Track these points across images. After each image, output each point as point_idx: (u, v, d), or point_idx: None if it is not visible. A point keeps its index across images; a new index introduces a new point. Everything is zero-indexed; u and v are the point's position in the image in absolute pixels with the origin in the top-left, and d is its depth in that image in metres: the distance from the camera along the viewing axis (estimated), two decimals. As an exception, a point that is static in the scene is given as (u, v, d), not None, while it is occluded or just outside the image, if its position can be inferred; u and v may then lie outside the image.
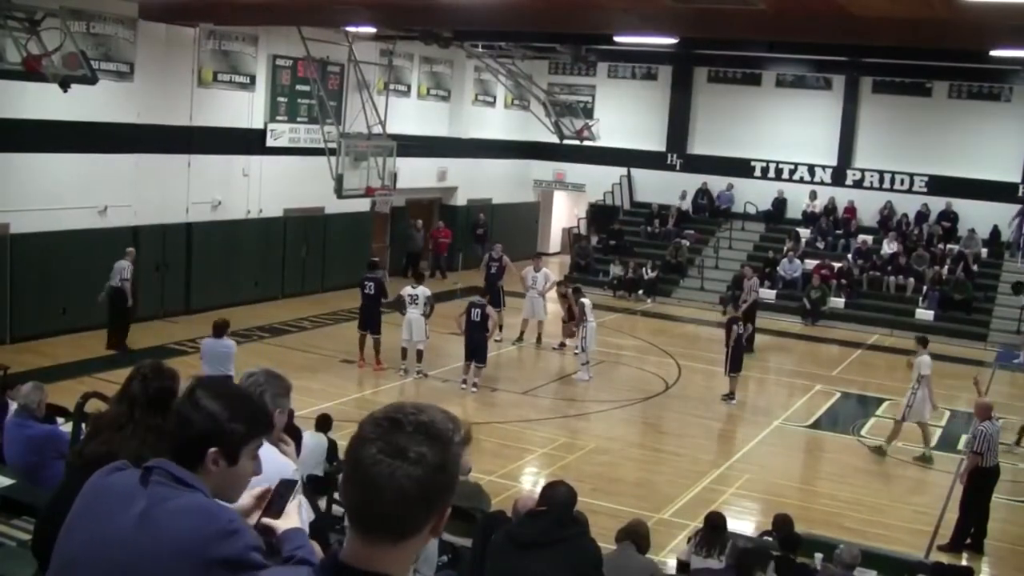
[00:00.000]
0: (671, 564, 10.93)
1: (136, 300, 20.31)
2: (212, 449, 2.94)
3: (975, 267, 28.91)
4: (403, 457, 2.10)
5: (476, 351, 18.98)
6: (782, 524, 10.88)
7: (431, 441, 2.13)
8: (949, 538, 13.14)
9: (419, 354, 19.65)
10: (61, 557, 2.88)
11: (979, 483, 12.99)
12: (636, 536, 8.40)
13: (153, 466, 2.88)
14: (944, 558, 12.17)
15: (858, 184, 32.18)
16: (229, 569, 2.74)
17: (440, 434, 2.15)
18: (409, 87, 30.36)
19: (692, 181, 33.82)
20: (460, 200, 33.16)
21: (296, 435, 11.77)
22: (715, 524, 10.05)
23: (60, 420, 10.00)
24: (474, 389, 18.98)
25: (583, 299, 20.71)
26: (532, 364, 22.28)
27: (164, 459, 2.91)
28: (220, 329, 14.76)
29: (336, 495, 9.93)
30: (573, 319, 21.49)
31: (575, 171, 35.40)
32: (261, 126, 25.04)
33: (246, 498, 3.34)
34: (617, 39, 22.03)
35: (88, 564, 2.81)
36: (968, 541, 13.07)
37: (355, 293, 21.15)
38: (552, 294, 23.38)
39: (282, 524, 3.14)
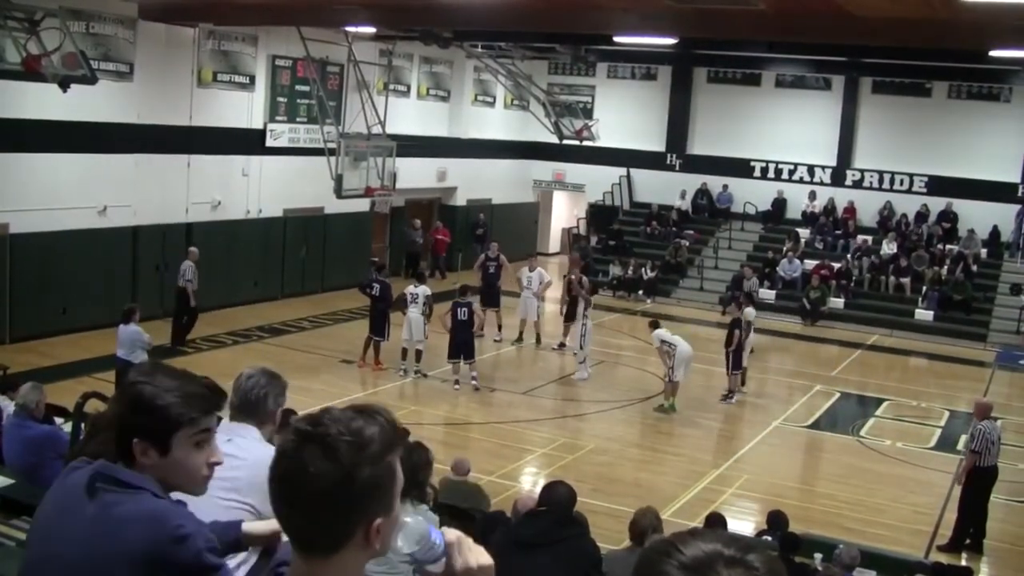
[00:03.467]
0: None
1: (196, 299, 20.62)
2: (135, 440, 2.80)
3: (975, 267, 28.89)
4: (304, 470, 2.08)
5: (466, 349, 19.02)
6: (777, 522, 10.90)
7: (334, 452, 2.08)
8: (948, 538, 13.14)
9: (418, 354, 19.65)
10: (26, 557, 2.86)
11: (977, 483, 12.98)
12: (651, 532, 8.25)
13: (97, 471, 2.79)
14: (943, 558, 12.17)
15: (858, 184, 32.19)
16: (182, 575, 2.71)
17: (348, 446, 2.09)
18: (409, 87, 30.36)
19: (692, 181, 33.83)
20: (460, 200, 33.16)
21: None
22: (715, 525, 10.05)
23: (59, 420, 10.00)
24: (474, 382, 19.01)
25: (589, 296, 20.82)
26: (531, 364, 22.27)
27: (106, 462, 2.82)
28: (128, 315, 15.83)
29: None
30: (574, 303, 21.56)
31: (575, 171, 35.40)
32: (261, 126, 25.04)
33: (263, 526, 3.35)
34: (617, 39, 22.02)
35: (46, 565, 2.78)
36: (968, 541, 13.07)
37: (355, 293, 21.16)
38: (548, 293, 23.44)
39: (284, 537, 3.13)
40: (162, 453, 2.82)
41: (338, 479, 2.07)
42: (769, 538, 10.93)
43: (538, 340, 23.07)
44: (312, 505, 2.09)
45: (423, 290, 19.64)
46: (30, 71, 17.34)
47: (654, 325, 19.16)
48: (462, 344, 18.93)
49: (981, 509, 13.09)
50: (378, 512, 2.14)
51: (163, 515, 2.74)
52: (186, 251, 20.73)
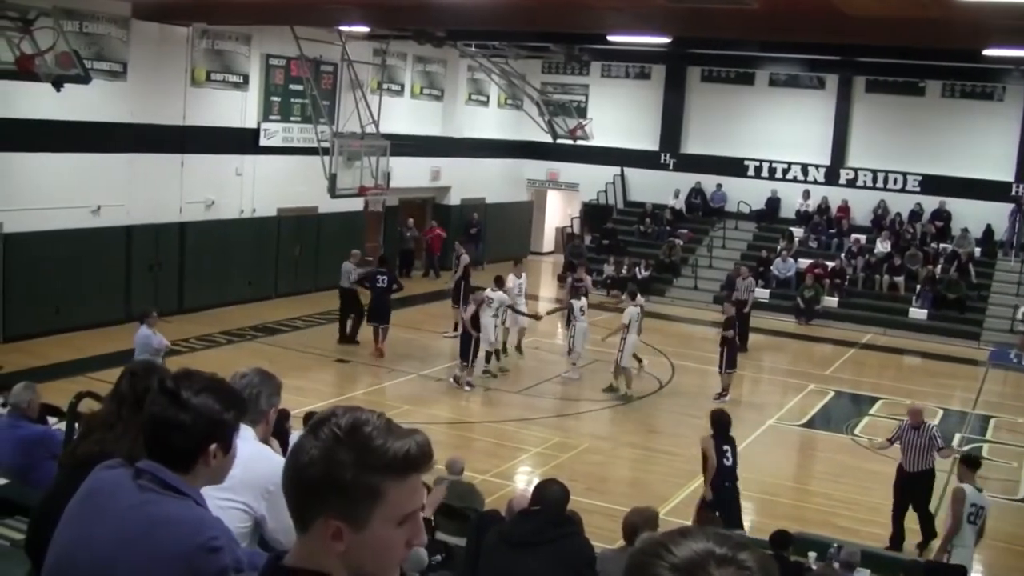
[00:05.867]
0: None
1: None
2: (213, 445, 2.93)
3: (969, 266, 28.91)
4: (302, 448, 2.14)
5: (462, 351, 19.14)
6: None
7: (318, 437, 2.12)
8: (922, 536, 13.15)
9: (486, 355, 19.89)
10: (53, 556, 2.88)
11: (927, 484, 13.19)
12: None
13: (142, 469, 2.86)
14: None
15: (851, 183, 32.21)
16: None
17: (330, 434, 2.11)
18: (402, 86, 30.34)
19: (685, 180, 33.86)
20: (454, 200, 33.13)
21: (284, 436, 11.79)
22: (709, 524, 10.04)
23: (53, 420, 9.97)
24: (468, 388, 18.99)
25: (575, 300, 20.70)
26: (526, 364, 22.20)
27: (152, 462, 2.88)
28: (141, 318, 15.84)
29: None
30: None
31: (568, 170, 35.39)
32: (254, 125, 25.00)
33: None
34: (610, 38, 22.00)
35: (76, 563, 2.81)
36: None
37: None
38: (544, 293, 23.38)
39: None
40: (226, 452, 2.98)
41: (311, 459, 2.10)
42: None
43: (508, 347, 22.21)
44: (293, 480, 2.14)
45: (500, 296, 19.60)
46: (24, 71, 17.30)
47: (632, 296, 19.80)
48: (466, 345, 19.00)
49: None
50: (337, 514, 2.10)
51: (199, 524, 2.81)
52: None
